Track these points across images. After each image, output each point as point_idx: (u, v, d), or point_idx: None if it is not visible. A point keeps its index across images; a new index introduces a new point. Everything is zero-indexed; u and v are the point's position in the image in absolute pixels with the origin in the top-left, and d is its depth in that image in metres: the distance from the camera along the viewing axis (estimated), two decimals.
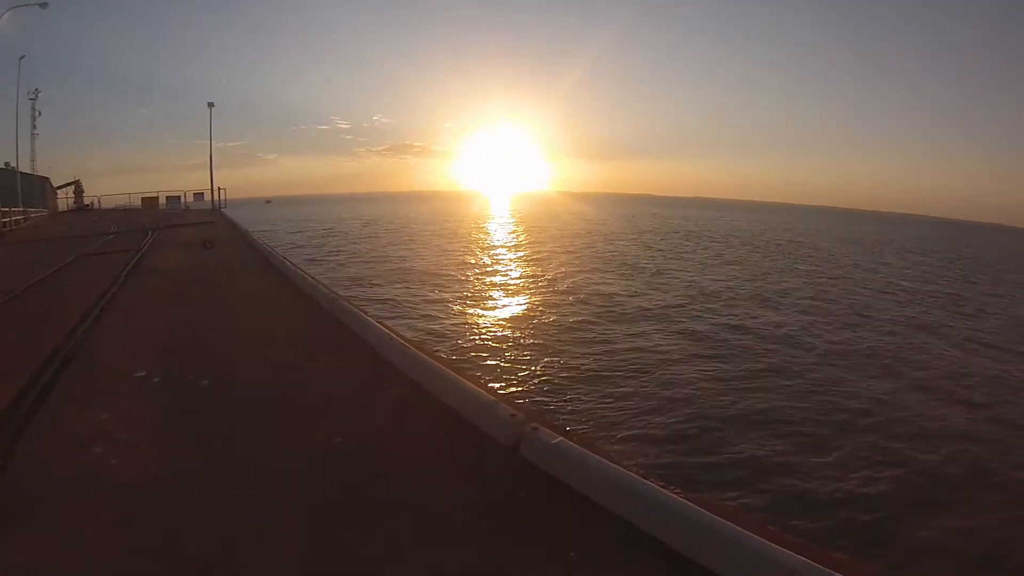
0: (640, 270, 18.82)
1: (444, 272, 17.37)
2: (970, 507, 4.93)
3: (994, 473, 5.66)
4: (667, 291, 14.96)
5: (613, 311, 12.12)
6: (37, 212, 28.16)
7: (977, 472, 5.66)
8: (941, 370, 9.25)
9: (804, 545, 1.70)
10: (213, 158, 36.03)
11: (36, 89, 35.91)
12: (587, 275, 17.00)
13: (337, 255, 22.29)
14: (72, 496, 2.21)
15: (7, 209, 19.47)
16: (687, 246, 28.68)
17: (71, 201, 41.63)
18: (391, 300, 13.04)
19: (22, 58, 30.15)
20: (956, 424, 6.87)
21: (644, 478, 2.08)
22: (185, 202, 37.42)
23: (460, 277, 16.57)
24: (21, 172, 29.69)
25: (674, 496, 1.95)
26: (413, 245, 26.13)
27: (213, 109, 35.88)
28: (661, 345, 9.67)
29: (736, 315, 12.43)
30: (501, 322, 11.19)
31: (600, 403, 6.94)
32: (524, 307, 12.59)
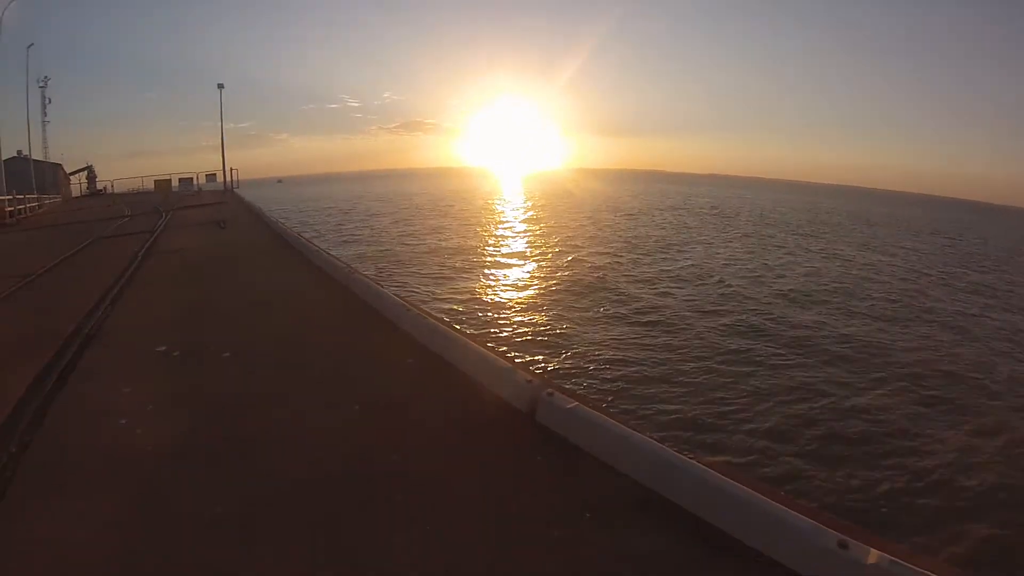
0: (668, 247, 18.65)
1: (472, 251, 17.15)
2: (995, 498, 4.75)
3: None
4: (694, 269, 14.84)
5: (638, 294, 11.96)
6: (51, 198, 28.43)
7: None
8: None
9: (815, 510, 1.72)
10: (224, 139, 35.91)
11: (46, 77, 35.77)
12: (610, 255, 16.78)
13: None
14: (100, 465, 2.27)
15: (22, 196, 19.66)
16: (719, 224, 28.10)
17: (84, 186, 41.91)
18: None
19: (30, 46, 30.00)
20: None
21: (659, 442, 2.09)
22: (197, 184, 37.53)
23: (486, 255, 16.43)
24: (34, 159, 29.92)
25: (688, 460, 1.95)
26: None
27: (222, 91, 35.59)
28: (681, 321, 9.63)
29: (769, 292, 12.22)
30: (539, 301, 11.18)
31: (617, 371, 6.97)
32: (552, 286, 12.48)
